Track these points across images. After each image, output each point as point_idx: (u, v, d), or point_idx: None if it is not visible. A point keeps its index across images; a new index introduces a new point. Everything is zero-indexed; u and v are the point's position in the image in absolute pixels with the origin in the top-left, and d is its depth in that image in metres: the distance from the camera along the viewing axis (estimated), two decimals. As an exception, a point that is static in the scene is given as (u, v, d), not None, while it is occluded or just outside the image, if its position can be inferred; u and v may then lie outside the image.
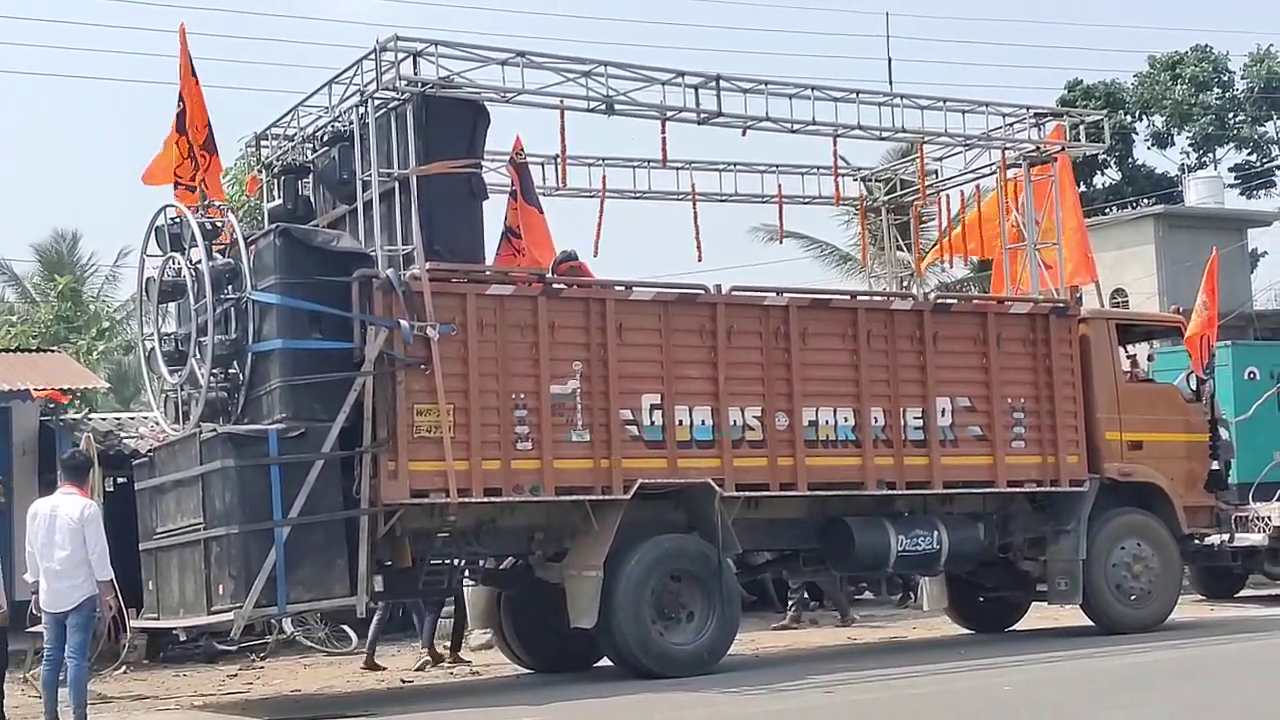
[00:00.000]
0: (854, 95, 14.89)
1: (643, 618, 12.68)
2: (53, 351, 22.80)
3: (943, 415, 14.36)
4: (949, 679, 12.29)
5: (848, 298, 14.98)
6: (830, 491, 13.88)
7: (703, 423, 13.28)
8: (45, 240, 35.70)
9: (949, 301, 15.54)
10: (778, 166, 17.42)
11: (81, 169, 64.52)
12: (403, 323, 12.03)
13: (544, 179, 16.07)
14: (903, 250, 19.42)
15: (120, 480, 17.66)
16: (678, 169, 16.75)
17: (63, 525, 10.89)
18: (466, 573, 13.72)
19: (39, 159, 63.99)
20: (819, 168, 17.30)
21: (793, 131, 14.75)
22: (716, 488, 13.10)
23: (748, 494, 13.46)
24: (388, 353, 12.06)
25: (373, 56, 12.71)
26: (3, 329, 29.13)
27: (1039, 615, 16.91)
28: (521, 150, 14.74)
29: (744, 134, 14.63)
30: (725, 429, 13.31)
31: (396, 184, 12.75)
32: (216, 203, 13.15)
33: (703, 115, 14.13)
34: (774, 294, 13.90)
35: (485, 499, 12.36)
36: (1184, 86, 41.34)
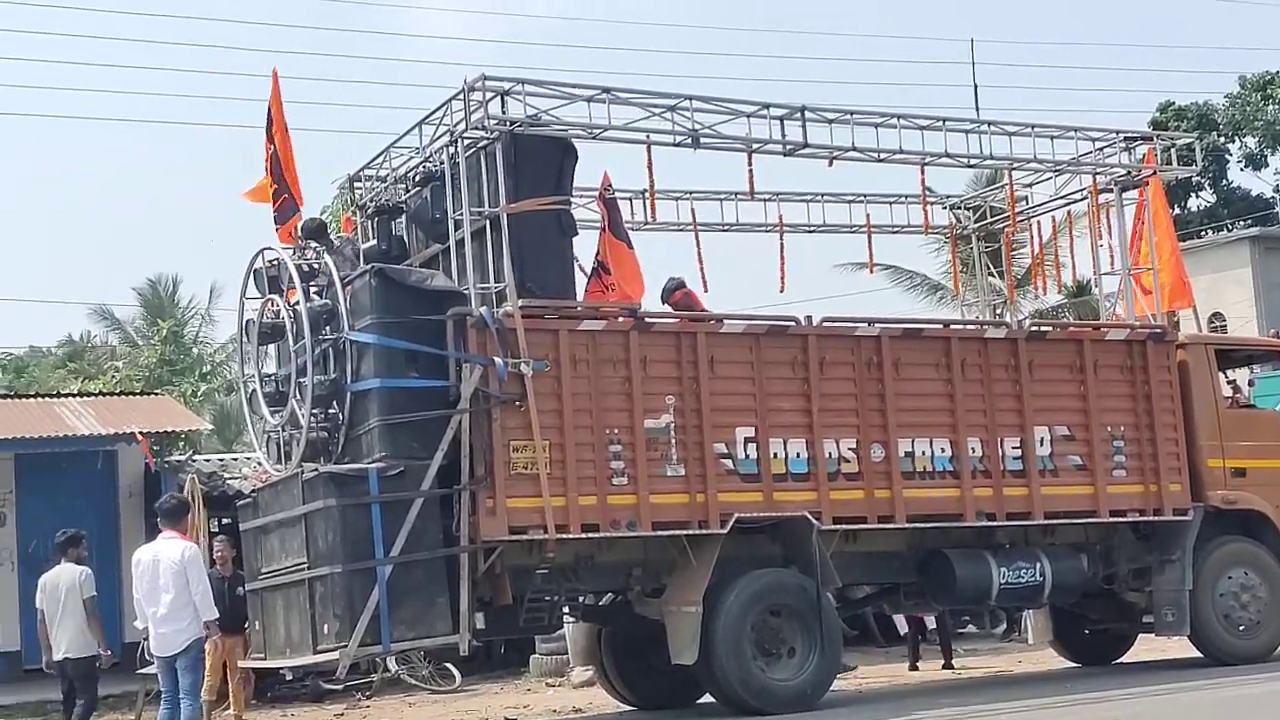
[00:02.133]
0: (941, 123, 14.74)
1: (743, 653, 12.55)
2: (156, 394, 23.16)
3: (1041, 444, 14.11)
4: (1056, 713, 12.04)
5: (940, 327, 14.78)
6: (929, 524, 13.68)
7: (798, 455, 13.16)
8: (146, 284, 36.41)
9: (1044, 329, 15.30)
10: (865, 196, 17.25)
11: (180, 213, 65.66)
12: (497, 360, 12.04)
13: (632, 213, 16.05)
14: (995, 277, 19.18)
15: (225, 521, 17.88)
16: (764, 200, 16.65)
17: (165, 569, 11.06)
18: (566, 609, 13.66)
19: (140, 204, 65.21)
20: (907, 196, 17.12)
21: (879, 161, 14.60)
22: (813, 521, 12.97)
23: (845, 527, 13.30)
24: (483, 390, 12.07)
25: (462, 97, 12.77)
26: (107, 373, 29.66)
27: (1146, 647, 16.55)
28: (610, 185, 14.73)
29: (830, 164, 14.50)
30: (820, 461, 13.18)
31: (488, 222, 12.79)
32: (313, 244, 13.26)
33: (789, 147, 14.03)
34: (866, 324, 13.78)
35: (583, 535, 12.31)
36: (1276, 107, 40.67)
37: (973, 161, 15.24)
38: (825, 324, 13.60)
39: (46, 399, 21.21)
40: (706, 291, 14.76)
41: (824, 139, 14.20)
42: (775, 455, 13.06)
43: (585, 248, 14.15)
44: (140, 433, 17.93)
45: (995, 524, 13.93)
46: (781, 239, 16.51)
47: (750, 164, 14.14)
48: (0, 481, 18.84)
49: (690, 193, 16.55)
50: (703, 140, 13.63)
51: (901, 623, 19.34)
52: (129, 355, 33.15)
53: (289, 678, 15.91)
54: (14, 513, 18.86)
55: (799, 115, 13.94)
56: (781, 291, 16.20)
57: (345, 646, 11.53)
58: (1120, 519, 14.50)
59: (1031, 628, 18.15)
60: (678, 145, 13.59)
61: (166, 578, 11.03)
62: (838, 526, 13.21)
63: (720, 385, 12.98)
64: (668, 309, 13.93)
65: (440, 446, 11.93)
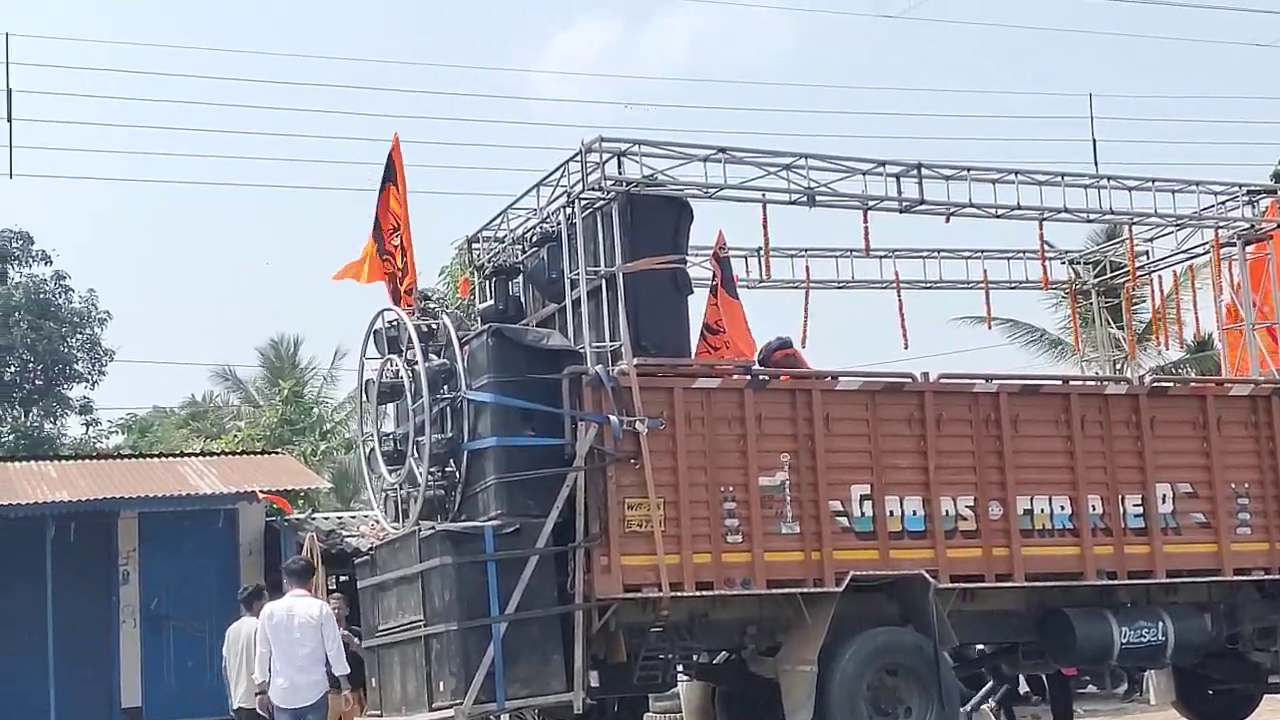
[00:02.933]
0: (1059, 178, 14.66)
1: (859, 713, 12.47)
2: (277, 454, 23.60)
3: (1163, 502, 13.93)
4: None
5: (1060, 383, 14.68)
6: (1048, 582, 13.54)
7: (914, 513, 13.11)
8: (268, 345, 37.12)
9: (1165, 385, 15.12)
10: (982, 252, 17.23)
11: (301, 274, 66.89)
12: (612, 418, 12.15)
13: (747, 271, 16.16)
14: (1115, 332, 19.01)
15: (343, 578, 18.13)
16: (880, 258, 16.69)
17: (302, 624, 11.48)
18: (680, 667, 13.67)
19: (260, 264, 66.51)
20: (1025, 252, 17.05)
21: (996, 217, 14.54)
22: (930, 579, 12.89)
23: (963, 585, 13.21)
24: (598, 448, 12.18)
25: (579, 158, 12.97)
26: (229, 432, 30.27)
27: (1271, 707, 16.17)
28: (724, 245, 14.86)
29: (947, 221, 14.47)
30: (937, 519, 13.12)
31: (604, 281, 12.95)
32: (432, 305, 13.52)
33: (905, 204, 14.06)
34: (983, 380, 13.72)
35: (697, 593, 12.34)
36: (1405, 157, 39.80)
37: (1091, 217, 15.13)
38: (942, 380, 13.56)
39: (170, 458, 21.73)
40: (805, 347, 14.83)
41: (940, 195, 14.21)
42: (891, 513, 13.02)
43: (700, 307, 14.31)
44: (264, 491, 18.28)
45: (1116, 583, 13.74)
46: (899, 295, 16.53)
47: (866, 221, 14.17)
48: (124, 540, 19.20)
49: (805, 250, 16.64)
50: (818, 198, 13.71)
51: (1021, 683, 19.10)
52: (250, 415, 33.82)
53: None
54: (137, 570, 19.21)
55: (915, 172, 13.96)
56: (905, 348, 16.23)
57: (460, 704, 11.64)
58: (1245, 577, 14.23)
59: (1153, 688, 17.86)
60: (793, 203, 13.67)
61: (303, 632, 11.48)
62: (955, 585, 13.12)
63: (836, 442, 12.98)
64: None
65: (555, 504, 12.04)
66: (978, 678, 18.35)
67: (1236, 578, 14.18)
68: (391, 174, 13.93)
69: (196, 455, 22.40)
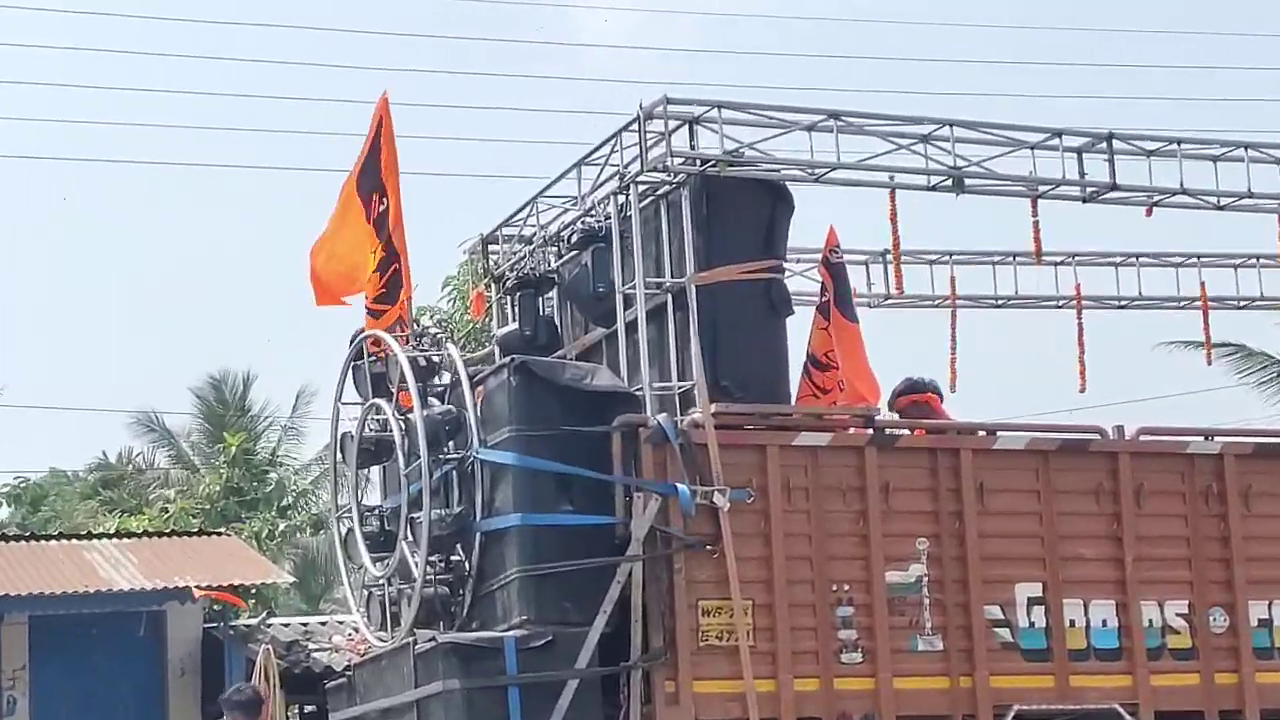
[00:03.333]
0: (1309, 153, 14.61)
1: None
2: (220, 534, 23.73)
3: None
4: None
5: (1310, 440, 14.60)
6: (1295, 721, 13.44)
7: (1104, 623, 13.05)
8: (207, 384, 37.22)
9: None
10: (1199, 257, 17.17)
11: (254, 288, 67.38)
12: (681, 487, 12.13)
13: (869, 283, 16.14)
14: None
15: (309, 709, 18.16)
16: (1055, 264, 16.68)
17: None
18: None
19: (201, 276, 67.11)
20: (1258, 257, 16.99)
21: (1219, 208, 14.51)
22: (1127, 716, 12.81)
23: (1174, 725, 13.13)
24: (661, 529, 12.16)
25: (635, 127, 12.98)
26: (156, 505, 30.48)
27: None
28: (836, 245, 14.85)
29: (1149, 213, 14.44)
30: (1137, 632, 13.05)
31: (669, 297, 12.98)
32: (433, 330, 13.56)
33: (1089, 190, 14.04)
34: (1202, 438, 13.69)
35: (798, 733, 12.30)
36: None
37: (1356, 206, 15.03)
38: (1143, 437, 13.54)
39: (72, 541, 21.86)
40: (955, 391, 14.76)
41: (1140, 178, 14.19)
42: (1072, 623, 12.95)
43: (802, 332, 14.29)
44: (199, 587, 18.37)
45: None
46: (1080, 316, 16.48)
47: (1035, 213, 14.15)
48: (10, 654, 19.32)
49: (949, 254, 16.62)
50: (968, 182, 13.69)
51: None
52: (184, 481, 34.03)
53: None
54: (27, 696, 19.33)
55: (1104, 145, 13.96)
56: (1082, 391, 16.15)
57: None
58: None
59: None
60: (934, 189, 13.69)
61: None
62: (1163, 724, 13.03)
63: (993, 523, 12.92)
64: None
65: (602, 608, 12.02)
66: None
67: None
68: (377, 149, 13.98)
69: (109, 537, 22.53)
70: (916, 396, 14.02)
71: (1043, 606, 12.93)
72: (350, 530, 13.73)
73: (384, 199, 13.93)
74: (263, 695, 13.04)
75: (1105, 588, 13.10)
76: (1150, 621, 13.13)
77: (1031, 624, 12.91)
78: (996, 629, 12.81)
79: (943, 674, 12.65)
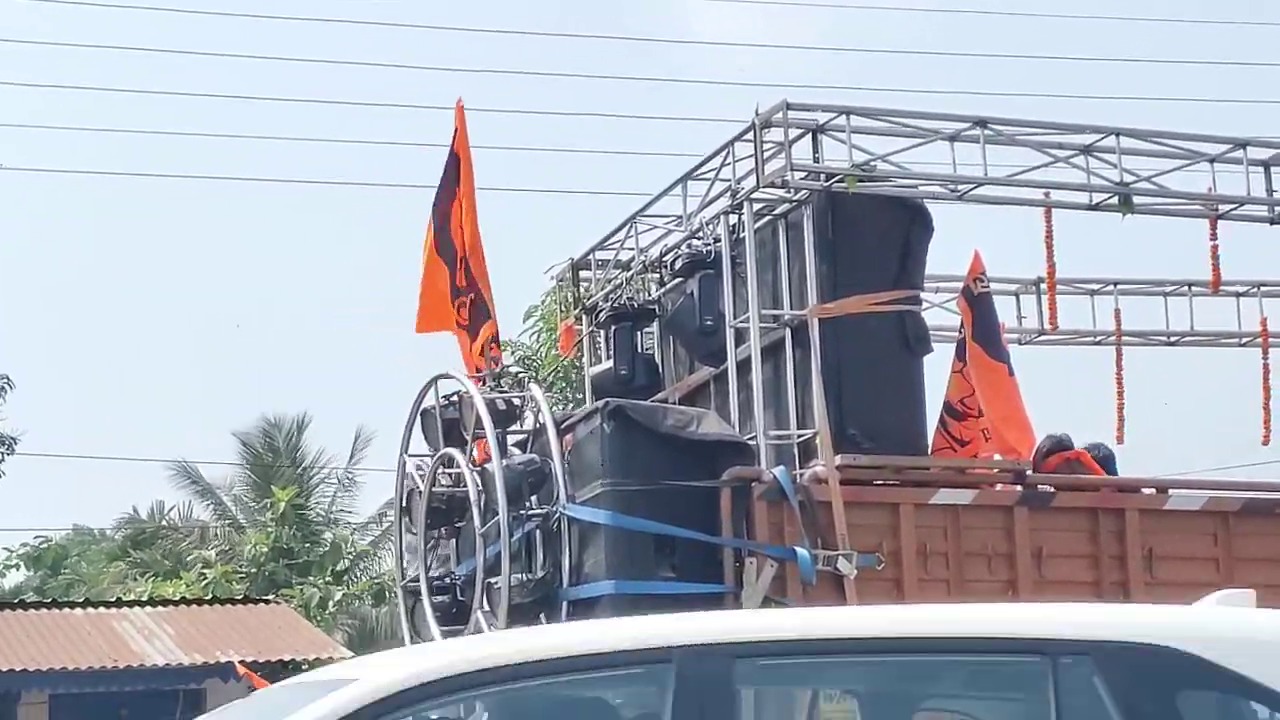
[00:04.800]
0: None
1: None
2: (267, 602, 23.90)
3: None
4: None
5: None
6: None
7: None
8: (255, 429, 37.30)
9: None
10: None
11: (307, 322, 67.86)
12: (801, 551, 12.17)
13: (1019, 316, 16.12)
14: None
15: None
16: (1238, 295, 16.61)
17: None
18: None
19: (240, 307, 67.64)
20: None
21: None
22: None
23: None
24: (777, 599, 12.19)
25: (750, 136, 13.03)
26: (194, 568, 30.69)
27: None
28: (983, 274, 14.83)
29: (1352, 235, 14.41)
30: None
31: (788, 331, 13.04)
32: (514, 369, 13.65)
33: (1278, 209, 13.99)
34: None
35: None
36: None
37: None
38: (1345, 495, 13.49)
39: (99, 609, 22.09)
40: (1122, 443, 14.68)
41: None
42: (1259, 713, 12.87)
43: (938, 373, 14.28)
44: (243, 662, 18.51)
45: None
46: (1266, 355, 16.39)
47: (1215, 236, 14.12)
48: (27, 735, 19.54)
49: (1114, 283, 16.59)
50: (1137, 200, 13.68)
51: None
52: (226, 540, 34.23)
53: None
54: (48, 783, 19.53)
55: (1301, 154, 13.92)
56: (1265, 443, 16.05)
57: None
58: None
59: None
60: (1096, 208, 13.69)
61: None
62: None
63: (1164, 596, 12.86)
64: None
65: (713, 690, 12.05)
66: None
67: None
68: (460, 165, 14.12)
69: (141, 604, 22.75)
70: (1068, 454, 13.97)
71: (1222, 693, 12.86)
72: (418, 600, 13.80)
73: (449, 218, 14.07)
74: None
75: (1292, 671, 13.01)
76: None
77: (1207, 712, 12.84)
78: (1172, 720, 12.75)
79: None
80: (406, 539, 14.21)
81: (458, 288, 14.08)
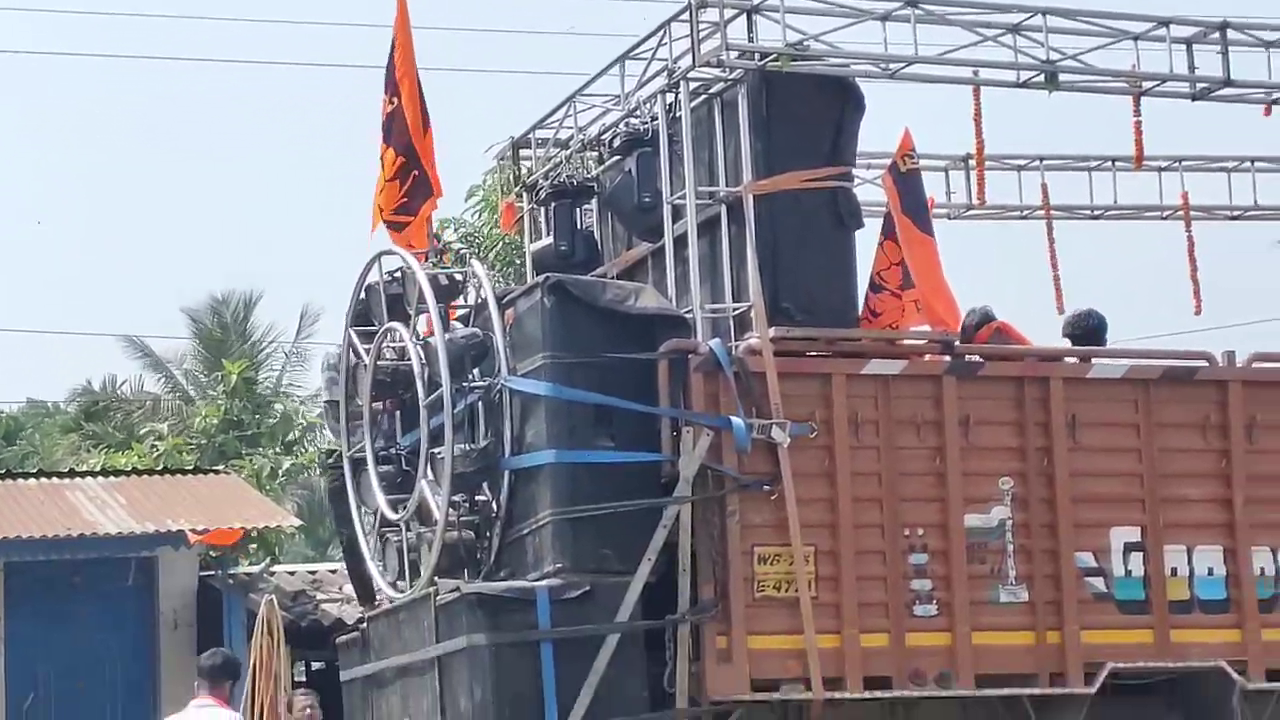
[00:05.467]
0: None
1: None
2: (217, 472, 23.91)
3: None
4: None
5: None
6: None
7: (1210, 572, 13.16)
8: (204, 305, 37.21)
9: None
10: (1324, 159, 17.19)
11: (256, 200, 67.48)
12: (735, 421, 12.27)
13: (948, 192, 16.19)
14: None
15: (317, 665, 18.38)
16: (1160, 169, 16.69)
17: None
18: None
19: (195, 186, 67.25)
20: (1396, 161, 17.00)
21: (1348, 104, 14.54)
22: (1235, 675, 12.93)
23: (1287, 686, 13.28)
24: (713, 468, 12.30)
25: (686, 17, 13.02)
26: (146, 440, 30.70)
27: None
28: (912, 151, 14.87)
29: (1267, 112, 14.45)
30: (1247, 581, 13.15)
31: (724, 208, 13.08)
32: (457, 245, 13.68)
33: (1200, 86, 14.07)
34: (1323, 363, 13.76)
35: (866, 694, 12.45)
36: None
37: None
38: (1256, 365, 13.64)
39: (53, 479, 22.06)
40: (1062, 313, 14.80)
41: (1258, 73, 14.23)
42: (1173, 571, 13.07)
43: (869, 249, 14.35)
44: (194, 530, 18.57)
45: None
46: (1188, 227, 16.51)
47: (1138, 112, 14.19)
48: (-15, 604, 19.55)
49: (1040, 158, 16.66)
50: (1063, 77, 13.74)
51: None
52: (177, 413, 34.22)
53: None
54: (1, 650, 19.52)
55: (1217, 36, 13.96)
56: (1198, 313, 16.19)
57: None
58: None
59: None
60: (1023, 85, 13.73)
61: None
62: (1275, 685, 13.16)
63: (1086, 461, 13.02)
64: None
65: (646, 556, 12.17)
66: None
67: None
68: (397, 49, 14.11)
69: (94, 475, 22.75)
70: (996, 325, 14.09)
71: (1141, 553, 13.03)
72: (363, 471, 13.85)
73: (394, 99, 14.07)
74: (233, 664, 13.36)
75: (1212, 532, 13.19)
76: (1262, 570, 13.22)
77: (1128, 573, 13.01)
78: (1089, 578, 12.92)
79: (1028, 628, 12.77)
80: (353, 410, 14.20)
81: (399, 168, 14.10)
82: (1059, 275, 16.18)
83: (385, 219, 14.13)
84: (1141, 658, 12.95)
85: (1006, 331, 14.13)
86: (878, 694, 12.51)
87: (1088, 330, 14.22)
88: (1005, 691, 12.77)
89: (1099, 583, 12.95)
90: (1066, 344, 14.29)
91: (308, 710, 14.83)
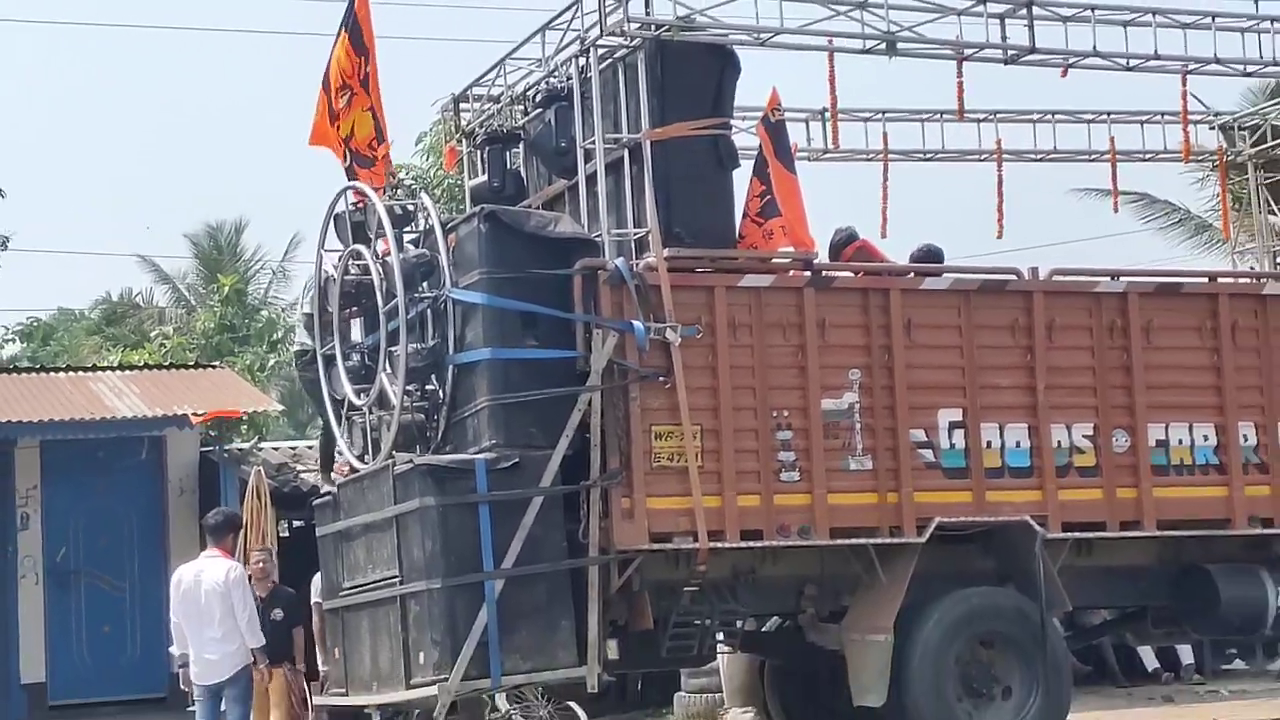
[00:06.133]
0: (1209, 20, 14.62)
1: (945, 695, 12.64)
2: (214, 367, 23.78)
3: (1336, 430, 13.99)
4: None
5: (1205, 281, 14.74)
6: (1186, 531, 13.66)
7: (1017, 444, 13.22)
8: (203, 231, 37.14)
9: (1340, 282, 15.16)
10: (1109, 114, 17.24)
11: (245, 142, 66.88)
12: (636, 324, 12.25)
13: (809, 139, 16.18)
14: (1276, 217, 18.99)
15: (297, 523, 18.34)
16: (978, 121, 16.73)
17: (209, 592, 11.93)
18: (720, 636, 13.86)
19: (193, 130, 66.59)
20: (1163, 114, 17.06)
21: (1128, 69, 14.53)
22: (1037, 527, 13.01)
23: (1078, 535, 13.34)
24: (618, 362, 12.29)
25: (596, -5, 12.98)
26: (155, 341, 30.48)
27: None
28: (778, 106, 14.83)
29: (1064, 74, 14.49)
30: (1047, 452, 13.22)
31: (626, 152, 12.99)
32: (408, 182, 13.59)
33: (1011, 53, 14.05)
34: (1107, 278, 13.79)
35: (742, 544, 12.49)
36: None
37: (1250, 69, 15.09)
38: (1055, 278, 13.65)
39: (79, 373, 21.88)
40: (885, 237, 14.87)
41: (1057, 42, 14.21)
42: (989, 444, 13.12)
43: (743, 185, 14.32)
44: (195, 414, 18.46)
45: (1273, 531, 13.85)
46: (1000, 169, 16.58)
47: (960, 74, 14.24)
48: (24, 475, 19.41)
49: (882, 112, 16.67)
50: (900, 45, 13.72)
51: (1149, 656, 19.34)
52: (181, 319, 34.01)
53: (376, 718, 16.32)
54: (39, 513, 19.44)
55: (1025, 12, 13.93)
56: (999, 236, 16.28)
57: (445, 680, 11.81)
58: None
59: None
60: (868, 52, 13.69)
61: (210, 601, 11.99)
62: (1068, 535, 13.25)
63: (919, 356, 13.06)
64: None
65: (564, 433, 12.17)
66: (1096, 650, 18.63)
67: None
68: (351, 17, 13.94)
69: (113, 369, 22.55)
70: (857, 244, 14.10)
71: (962, 430, 13.09)
72: (333, 366, 13.77)
73: (346, 77, 13.95)
74: (234, 518, 13.36)
75: (1019, 413, 13.24)
76: (1059, 443, 13.28)
77: (952, 445, 13.07)
78: (920, 450, 12.98)
79: (871, 490, 12.83)
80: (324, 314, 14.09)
81: (337, 116, 13.96)
82: (887, 207, 16.26)
83: (358, 155, 14.00)
84: (963, 514, 13.01)
85: (867, 248, 14.13)
86: (751, 544, 12.56)
87: (927, 254, 14.23)
88: (853, 541, 12.83)
89: (929, 454, 13.01)
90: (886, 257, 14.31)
91: (260, 564, 14.72)
